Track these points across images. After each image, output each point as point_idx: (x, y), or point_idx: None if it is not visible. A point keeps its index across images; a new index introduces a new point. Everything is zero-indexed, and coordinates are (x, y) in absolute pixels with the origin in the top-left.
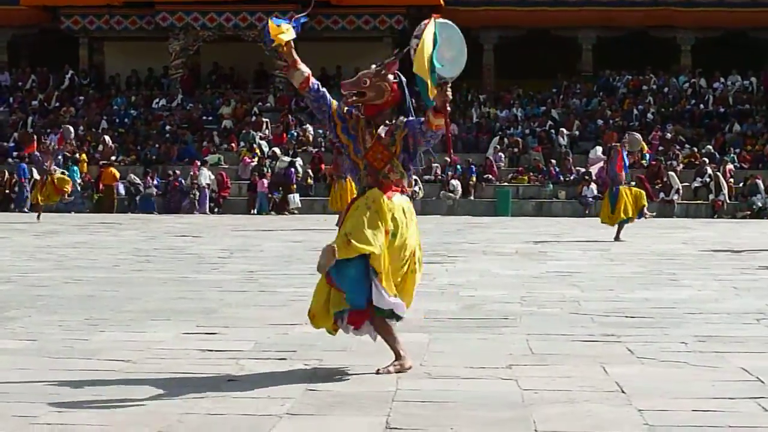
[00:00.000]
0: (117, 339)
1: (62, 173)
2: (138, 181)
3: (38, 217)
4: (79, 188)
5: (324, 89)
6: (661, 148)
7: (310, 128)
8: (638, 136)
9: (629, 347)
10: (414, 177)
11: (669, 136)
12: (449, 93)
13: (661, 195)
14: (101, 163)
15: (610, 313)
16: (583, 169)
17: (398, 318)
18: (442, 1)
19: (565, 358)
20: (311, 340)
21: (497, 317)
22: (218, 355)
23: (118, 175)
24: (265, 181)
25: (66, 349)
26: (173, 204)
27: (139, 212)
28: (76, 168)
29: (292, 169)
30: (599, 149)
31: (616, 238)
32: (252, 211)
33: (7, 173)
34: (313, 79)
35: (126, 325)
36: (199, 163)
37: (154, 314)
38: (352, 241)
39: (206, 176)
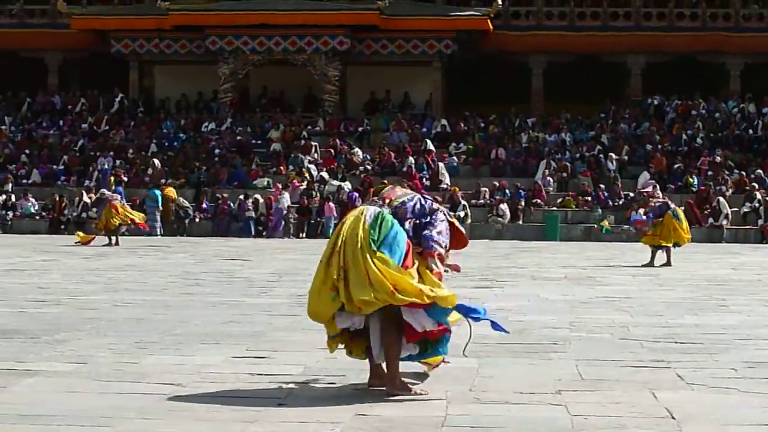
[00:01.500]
0: (166, 362)
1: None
2: (187, 204)
3: (112, 242)
4: (157, 212)
5: None
6: (710, 173)
7: (358, 152)
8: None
9: (679, 373)
10: (463, 202)
11: (718, 160)
12: None
13: (710, 220)
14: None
15: (659, 338)
16: (631, 194)
17: None
18: (491, 26)
19: (614, 383)
20: (360, 365)
21: (546, 342)
22: (267, 379)
23: (175, 194)
24: (333, 206)
25: (116, 372)
26: (221, 228)
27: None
28: (158, 192)
29: (355, 194)
30: (647, 174)
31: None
32: (301, 235)
33: (57, 196)
34: None
35: (175, 348)
36: (280, 186)
37: (203, 338)
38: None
39: (287, 199)
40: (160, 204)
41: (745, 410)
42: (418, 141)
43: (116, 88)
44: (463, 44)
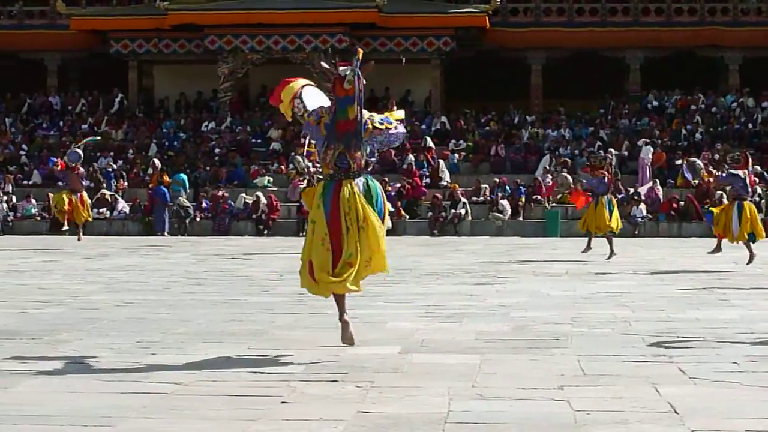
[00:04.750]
0: (168, 361)
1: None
2: (187, 203)
3: (79, 237)
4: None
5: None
6: (710, 167)
7: None
8: (697, 163)
9: (681, 367)
10: (463, 199)
11: (717, 156)
12: None
13: None
14: (151, 186)
15: (661, 333)
16: (632, 189)
17: None
18: (489, 23)
19: (616, 378)
20: (362, 362)
21: (548, 338)
22: (269, 377)
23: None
24: None
25: (117, 372)
26: (222, 227)
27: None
28: (184, 175)
29: None
30: (650, 149)
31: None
32: (301, 234)
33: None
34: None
35: (177, 347)
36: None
37: (204, 336)
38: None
39: None
40: (186, 187)
41: (748, 404)
42: (418, 138)
43: (116, 89)
44: (461, 41)
